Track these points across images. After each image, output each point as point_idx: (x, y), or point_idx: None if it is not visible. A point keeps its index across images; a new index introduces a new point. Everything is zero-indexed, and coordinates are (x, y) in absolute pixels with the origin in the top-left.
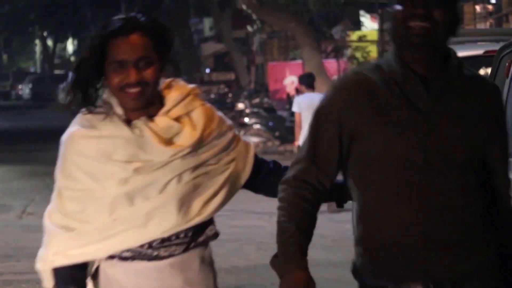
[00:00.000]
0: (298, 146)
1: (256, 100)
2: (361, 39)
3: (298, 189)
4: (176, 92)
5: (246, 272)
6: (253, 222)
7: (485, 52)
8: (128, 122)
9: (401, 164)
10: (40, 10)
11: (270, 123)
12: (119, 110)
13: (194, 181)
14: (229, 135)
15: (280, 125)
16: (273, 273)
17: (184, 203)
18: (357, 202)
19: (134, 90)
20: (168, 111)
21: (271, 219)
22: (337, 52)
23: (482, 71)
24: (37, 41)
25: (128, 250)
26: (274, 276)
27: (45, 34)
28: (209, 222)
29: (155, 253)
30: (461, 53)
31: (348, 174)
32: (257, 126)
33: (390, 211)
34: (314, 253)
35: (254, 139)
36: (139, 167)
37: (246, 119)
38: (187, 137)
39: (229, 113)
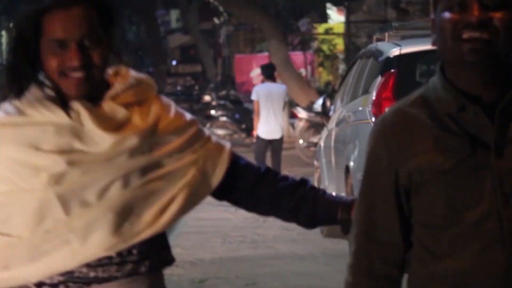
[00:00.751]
0: (257, 136)
1: (223, 93)
2: (327, 32)
3: (358, 283)
4: (126, 78)
5: (211, 265)
6: (219, 215)
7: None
8: (64, 105)
9: (475, 218)
10: (6, 1)
11: (237, 115)
12: (52, 92)
13: (147, 187)
14: (191, 131)
15: (246, 117)
16: (238, 266)
17: (131, 212)
18: (422, 271)
19: (77, 74)
20: (115, 95)
21: (237, 212)
22: (304, 45)
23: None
24: (3, 32)
25: (61, 273)
26: (240, 269)
27: (11, 25)
28: (165, 246)
29: (92, 273)
30: (421, 47)
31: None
32: (224, 119)
33: (469, 276)
34: (279, 246)
35: (220, 132)
36: (74, 160)
37: (213, 112)
38: (135, 124)
39: (195, 106)
